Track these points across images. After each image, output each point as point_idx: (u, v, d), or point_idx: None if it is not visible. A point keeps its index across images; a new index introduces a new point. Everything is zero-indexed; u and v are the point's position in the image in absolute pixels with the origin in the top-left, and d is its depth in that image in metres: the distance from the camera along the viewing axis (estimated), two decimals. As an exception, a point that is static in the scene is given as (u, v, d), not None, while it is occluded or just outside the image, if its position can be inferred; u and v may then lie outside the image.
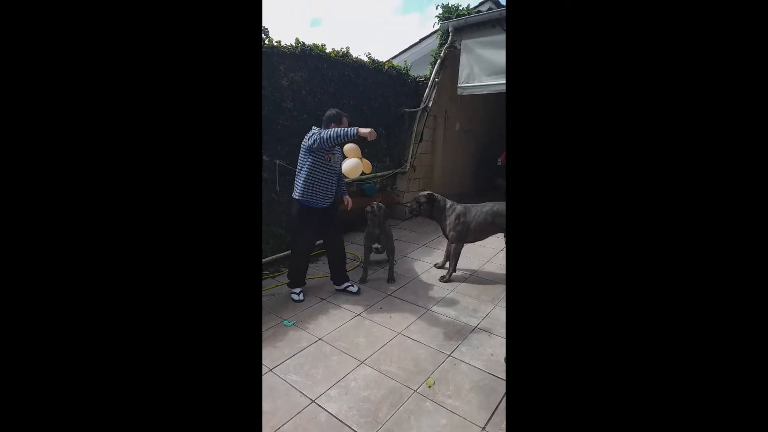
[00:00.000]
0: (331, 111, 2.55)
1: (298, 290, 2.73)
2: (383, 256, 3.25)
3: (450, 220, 3.02)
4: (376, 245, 3.07)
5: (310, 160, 2.47)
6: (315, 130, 2.47)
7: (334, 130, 2.31)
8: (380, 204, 2.99)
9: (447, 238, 3.13)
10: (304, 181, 2.50)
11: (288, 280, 2.77)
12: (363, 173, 2.45)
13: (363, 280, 2.99)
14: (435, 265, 3.34)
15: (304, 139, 2.48)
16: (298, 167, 2.55)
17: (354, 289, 2.81)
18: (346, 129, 2.30)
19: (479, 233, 3.06)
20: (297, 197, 2.56)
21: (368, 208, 2.96)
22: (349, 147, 2.43)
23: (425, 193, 3.12)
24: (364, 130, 2.25)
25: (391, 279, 3.02)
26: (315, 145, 2.38)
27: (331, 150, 2.51)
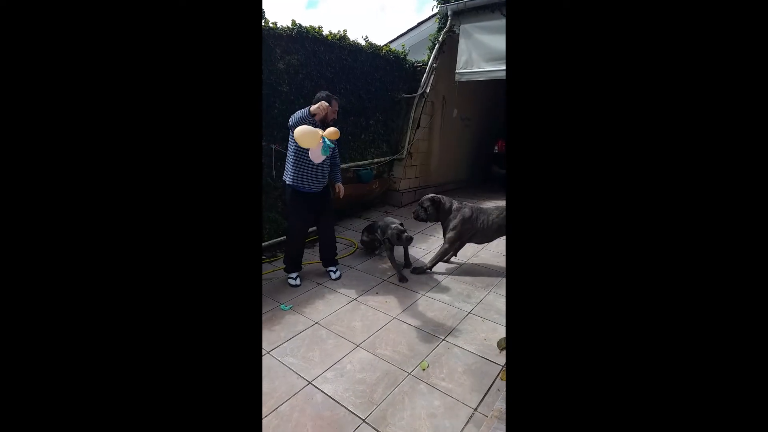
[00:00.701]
0: (321, 93, 2.50)
1: (294, 275, 2.75)
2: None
3: (455, 222, 2.93)
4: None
5: (296, 145, 2.47)
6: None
7: (295, 116, 2.31)
8: (399, 228, 2.85)
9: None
10: (292, 166, 2.53)
11: (284, 265, 2.80)
12: (330, 143, 2.24)
13: (403, 280, 2.83)
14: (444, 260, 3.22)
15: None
16: (287, 152, 2.59)
17: (334, 276, 2.85)
18: (301, 110, 2.29)
19: (488, 236, 2.99)
20: (288, 182, 2.58)
21: (389, 233, 2.88)
22: (300, 133, 2.20)
23: (429, 196, 3.02)
24: (314, 107, 2.23)
25: (407, 264, 3.08)
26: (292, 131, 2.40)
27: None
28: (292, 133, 2.39)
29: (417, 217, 3.07)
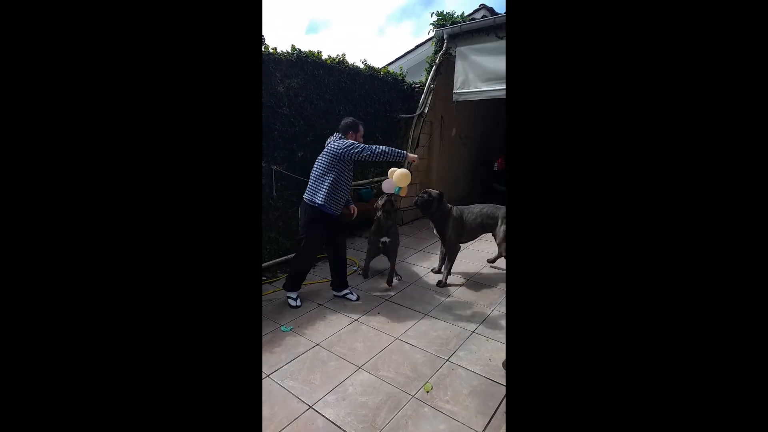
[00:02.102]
0: (348, 120, 2.61)
1: (294, 295, 2.70)
2: (381, 264, 3.24)
3: (450, 223, 3.08)
4: (384, 239, 3.01)
5: (339, 168, 2.48)
6: (344, 140, 2.51)
7: (383, 150, 2.41)
8: (391, 199, 3.03)
9: (443, 240, 3.15)
10: (330, 188, 2.48)
11: (285, 282, 2.72)
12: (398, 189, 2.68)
13: (365, 275, 3.10)
14: (432, 270, 3.35)
15: (336, 145, 2.48)
16: (320, 172, 2.51)
17: (353, 297, 2.80)
18: (395, 151, 2.44)
19: (472, 234, 3.21)
20: (319, 202, 2.49)
21: (384, 198, 2.99)
22: (401, 173, 2.61)
23: (437, 191, 3.13)
24: (412, 156, 2.56)
25: (390, 281, 3.01)
26: (356, 157, 2.44)
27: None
28: (366, 158, 2.42)
29: (416, 202, 3.14)
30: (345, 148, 2.45)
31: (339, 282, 2.82)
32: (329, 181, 2.48)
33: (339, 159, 2.47)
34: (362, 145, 2.46)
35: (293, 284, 2.70)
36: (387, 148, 2.42)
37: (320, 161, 2.54)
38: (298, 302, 2.69)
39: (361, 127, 2.63)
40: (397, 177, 2.58)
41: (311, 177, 2.57)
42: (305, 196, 2.58)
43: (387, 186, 2.69)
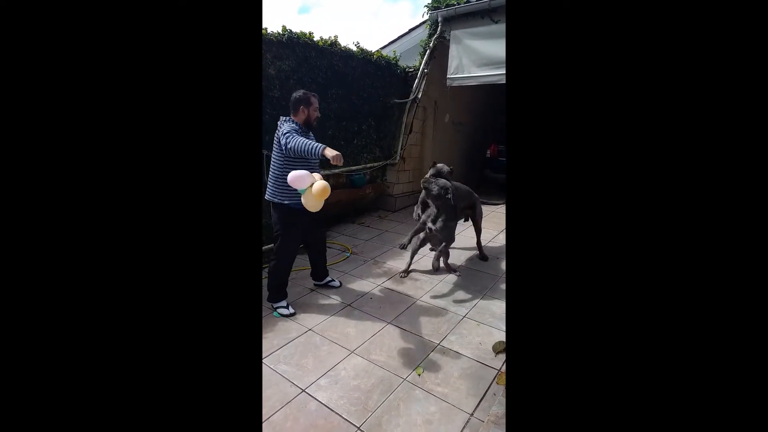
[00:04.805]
0: (298, 93, 2.30)
1: (284, 303, 2.42)
2: (375, 250, 3.23)
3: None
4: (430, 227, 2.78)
5: (290, 156, 2.18)
6: (284, 125, 2.22)
7: (298, 144, 2.03)
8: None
9: (475, 220, 3.35)
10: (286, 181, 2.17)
11: (268, 294, 2.41)
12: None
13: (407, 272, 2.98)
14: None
15: (278, 135, 2.20)
16: (277, 167, 2.26)
17: (336, 283, 2.76)
18: (311, 146, 1.99)
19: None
20: (286, 202, 2.25)
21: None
22: (322, 187, 1.96)
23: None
24: (330, 152, 1.96)
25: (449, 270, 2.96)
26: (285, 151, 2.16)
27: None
28: (284, 149, 2.13)
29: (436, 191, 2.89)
30: (279, 137, 2.18)
31: (319, 272, 2.72)
32: (283, 173, 2.19)
33: (286, 152, 2.18)
34: (293, 137, 2.09)
35: (278, 293, 2.42)
36: (302, 144, 2.02)
37: (274, 155, 2.27)
38: (291, 309, 2.40)
39: (313, 99, 2.29)
40: (317, 190, 1.95)
41: (269, 174, 2.30)
42: (267, 196, 2.31)
43: (296, 182, 1.98)
